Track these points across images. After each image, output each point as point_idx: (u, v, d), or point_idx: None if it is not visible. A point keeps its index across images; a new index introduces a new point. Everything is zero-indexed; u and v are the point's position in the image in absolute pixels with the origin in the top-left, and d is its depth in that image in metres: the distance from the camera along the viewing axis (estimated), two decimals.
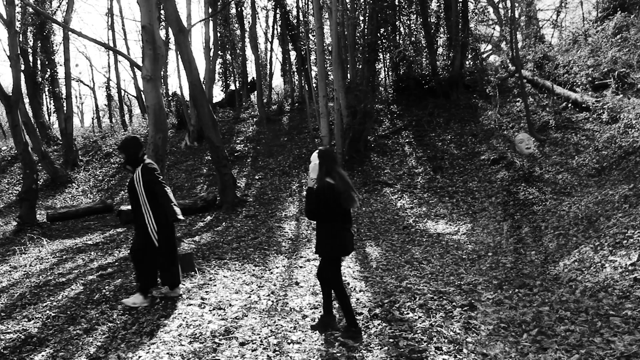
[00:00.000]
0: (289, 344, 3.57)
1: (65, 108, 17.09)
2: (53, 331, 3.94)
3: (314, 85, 16.15)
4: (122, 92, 24.69)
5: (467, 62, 16.42)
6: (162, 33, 18.83)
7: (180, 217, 4.30)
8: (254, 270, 6.01)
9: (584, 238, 5.79)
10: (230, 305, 4.56)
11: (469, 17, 16.19)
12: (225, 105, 21.22)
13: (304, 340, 3.64)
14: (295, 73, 20.71)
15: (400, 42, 16.76)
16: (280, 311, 4.34)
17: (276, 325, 3.96)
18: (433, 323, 3.78)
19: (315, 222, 3.83)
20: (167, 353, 3.46)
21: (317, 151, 3.72)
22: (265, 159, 14.21)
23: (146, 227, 4.29)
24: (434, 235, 7.55)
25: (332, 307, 3.86)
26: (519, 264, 5.69)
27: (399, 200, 10.10)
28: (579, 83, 11.86)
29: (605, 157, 8.74)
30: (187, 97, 16.58)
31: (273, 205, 10.45)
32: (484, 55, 20.07)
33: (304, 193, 4.00)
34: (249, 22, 19.79)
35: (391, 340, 3.51)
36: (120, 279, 5.43)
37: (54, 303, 4.76)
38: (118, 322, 4.09)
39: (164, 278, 4.63)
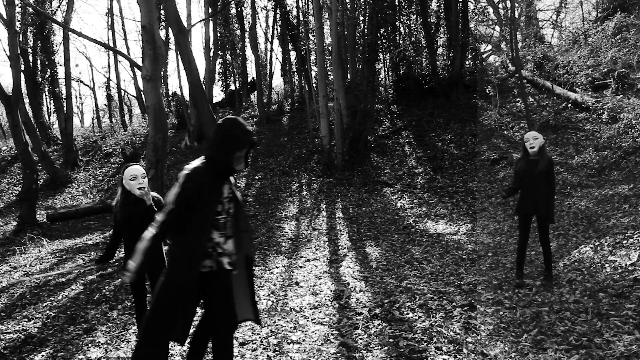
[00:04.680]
0: (289, 344, 3.57)
1: (65, 108, 17.11)
2: (53, 331, 3.94)
3: (314, 85, 16.14)
4: (122, 92, 24.70)
5: (467, 62, 16.41)
6: (162, 33, 18.83)
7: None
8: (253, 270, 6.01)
9: (584, 238, 5.79)
10: None
11: (469, 17, 16.20)
12: (225, 105, 21.22)
13: (304, 340, 3.63)
14: (295, 73, 20.70)
15: (400, 42, 16.76)
16: (280, 311, 4.33)
17: (276, 325, 3.96)
18: (433, 323, 3.78)
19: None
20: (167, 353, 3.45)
21: (136, 165, 3.52)
22: (265, 159, 14.20)
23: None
24: (434, 235, 7.55)
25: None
26: None
27: (399, 200, 10.09)
28: (579, 83, 11.86)
29: (605, 157, 8.74)
30: (187, 97, 16.58)
31: (273, 205, 10.45)
32: (484, 55, 20.07)
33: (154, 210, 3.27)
34: (249, 22, 19.80)
35: (391, 340, 3.51)
36: (120, 279, 5.43)
37: (54, 303, 4.76)
38: (118, 322, 4.08)
39: None
